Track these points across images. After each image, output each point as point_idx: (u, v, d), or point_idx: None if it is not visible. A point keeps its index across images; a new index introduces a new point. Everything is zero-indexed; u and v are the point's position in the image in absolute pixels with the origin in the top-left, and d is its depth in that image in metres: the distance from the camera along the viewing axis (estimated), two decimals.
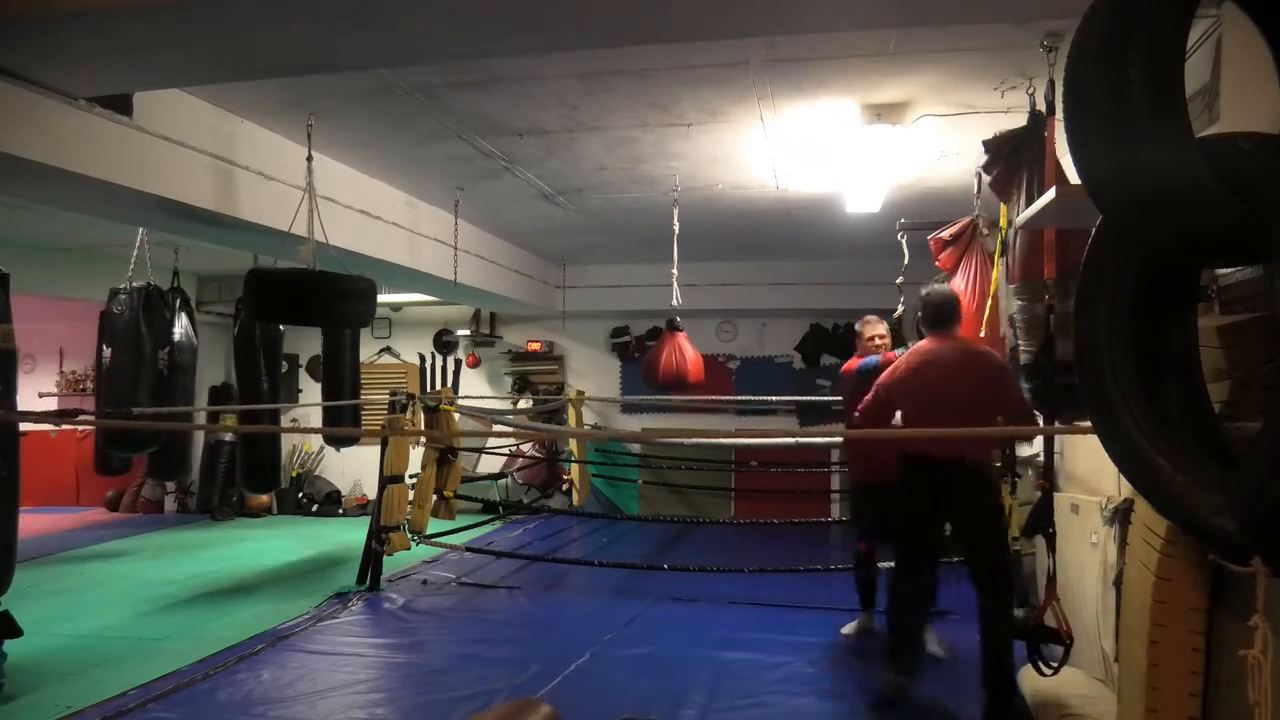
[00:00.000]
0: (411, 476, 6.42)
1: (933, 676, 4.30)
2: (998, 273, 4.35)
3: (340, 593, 6.04)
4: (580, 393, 9.76)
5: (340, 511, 10.22)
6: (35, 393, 10.02)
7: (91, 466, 7.26)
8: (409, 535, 6.26)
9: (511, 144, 5.10)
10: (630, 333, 10.40)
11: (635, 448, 9.95)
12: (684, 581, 5.44)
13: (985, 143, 3.61)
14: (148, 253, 6.04)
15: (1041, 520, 3.48)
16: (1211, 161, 1.50)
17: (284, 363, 8.26)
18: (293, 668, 4.51)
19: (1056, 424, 3.50)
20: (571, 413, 9.45)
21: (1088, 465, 3.83)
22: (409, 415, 6.58)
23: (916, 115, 4.43)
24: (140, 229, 5.80)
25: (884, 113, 4.37)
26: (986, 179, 3.82)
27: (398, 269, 6.44)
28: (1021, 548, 5.54)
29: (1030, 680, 3.77)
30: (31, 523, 8.40)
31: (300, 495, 10.34)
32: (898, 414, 4.12)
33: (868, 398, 4.11)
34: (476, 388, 10.67)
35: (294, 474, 10.44)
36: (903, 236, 5.44)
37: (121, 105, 3.81)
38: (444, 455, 6.48)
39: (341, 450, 9.83)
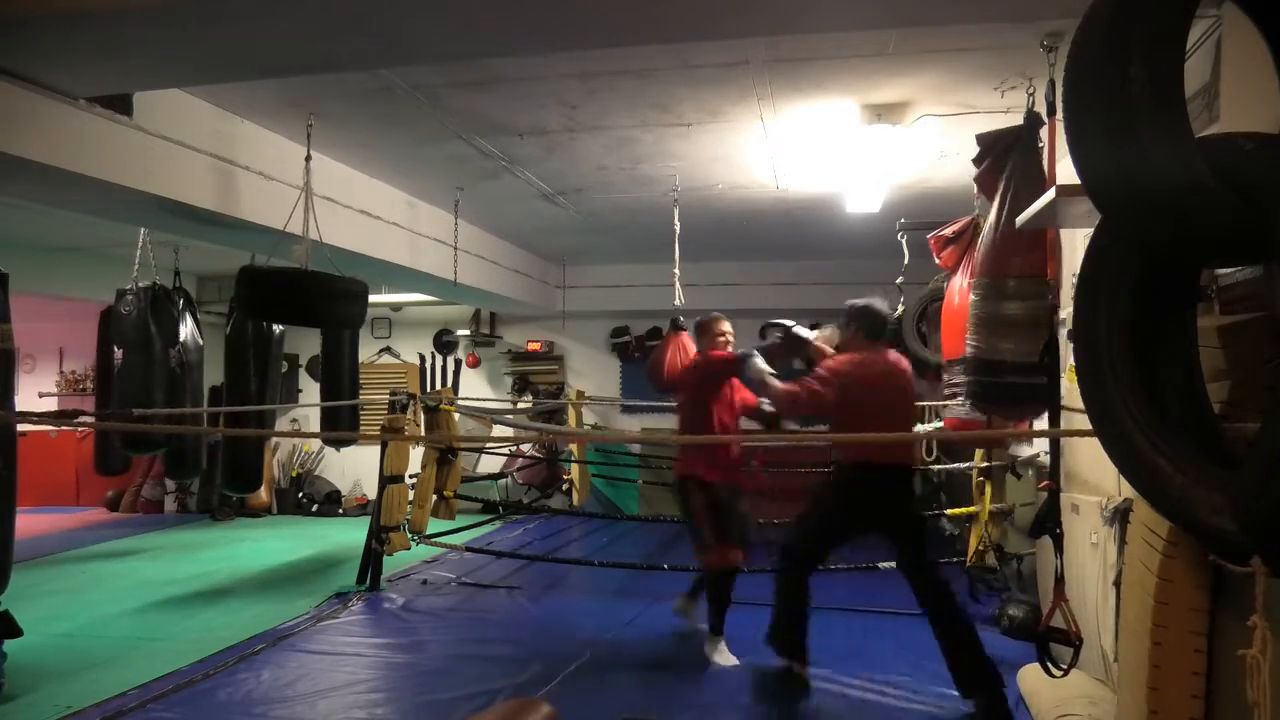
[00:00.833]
0: (411, 476, 6.41)
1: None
2: None
3: (340, 593, 6.04)
4: (580, 393, 9.75)
5: (340, 511, 10.22)
6: (35, 393, 10.03)
7: (91, 466, 7.26)
8: (409, 535, 6.25)
9: (511, 144, 5.10)
10: (630, 333, 10.40)
11: (635, 448, 9.95)
12: (684, 581, 5.43)
13: (979, 137, 3.61)
14: (150, 253, 6.05)
15: (1048, 521, 3.47)
16: (1212, 161, 1.50)
17: (284, 363, 8.26)
18: (293, 668, 4.50)
19: (1053, 425, 3.49)
20: (571, 413, 9.45)
21: (1088, 465, 3.83)
22: (409, 415, 6.58)
23: (916, 115, 4.44)
24: (142, 229, 5.81)
25: (884, 113, 4.38)
26: (975, 172, 3.82)
27: (398, 269, 6.44)
28: (1022, 548, 5.56)
29: (1030, 680, 3.77)
30: (31, 523, 8.43)
31: (300, 495, 10.34)
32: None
33: (818, 387, 4.03)
34: (476, 388, 10.67)
35: (294, 474, 10.45)
36: (903, 236, 5.44)
37: (121, 105, 3.81)
38: (444, 455, 6.48)
39: (341, 450, 9.86)
